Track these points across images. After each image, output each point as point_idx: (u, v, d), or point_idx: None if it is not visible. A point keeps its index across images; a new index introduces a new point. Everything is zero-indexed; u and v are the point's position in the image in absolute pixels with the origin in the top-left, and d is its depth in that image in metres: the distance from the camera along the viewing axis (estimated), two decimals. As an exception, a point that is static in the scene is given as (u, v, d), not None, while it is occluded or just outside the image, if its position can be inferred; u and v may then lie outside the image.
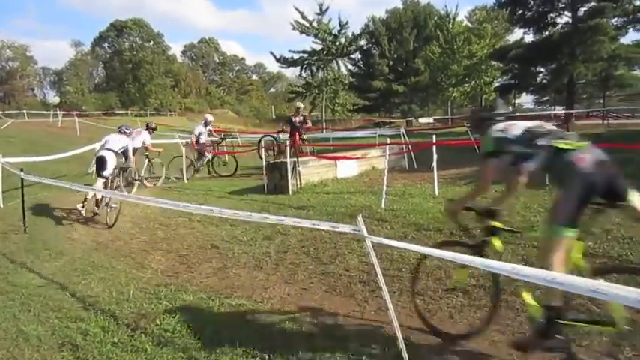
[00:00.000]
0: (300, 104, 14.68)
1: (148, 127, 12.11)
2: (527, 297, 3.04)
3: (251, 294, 4.57)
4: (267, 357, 3.31)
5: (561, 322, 2.81)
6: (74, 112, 30.71)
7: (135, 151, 11.08)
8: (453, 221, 3.76)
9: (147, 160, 11.96)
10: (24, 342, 3.68)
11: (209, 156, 13.27)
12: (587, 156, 2.79)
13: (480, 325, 3.44)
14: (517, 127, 3.11)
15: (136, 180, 10.95)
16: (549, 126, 3.13)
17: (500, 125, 3.21)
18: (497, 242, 3.41)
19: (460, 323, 3.71)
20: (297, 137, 12.80)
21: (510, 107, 36.31)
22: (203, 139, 13.24)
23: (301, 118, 13.32)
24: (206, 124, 13.54)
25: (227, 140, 14.56)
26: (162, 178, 12.03)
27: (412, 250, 3.95)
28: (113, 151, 8.82)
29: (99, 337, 3.69)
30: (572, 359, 2.90)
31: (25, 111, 36.23)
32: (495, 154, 3.15)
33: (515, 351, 3.11)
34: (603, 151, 2.88)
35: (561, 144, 2.86)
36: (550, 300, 2.85)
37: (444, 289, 4.24)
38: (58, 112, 32.19)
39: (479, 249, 3.40)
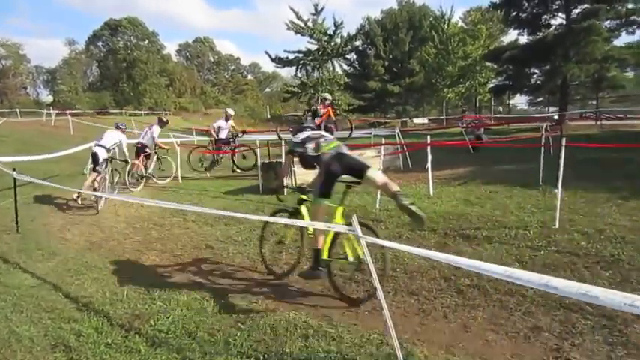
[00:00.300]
0: (328, 95, 13.89)
1: (160, 121, 12.25)
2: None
3: (246, 294, 4.56)
4: (261, 357, 3.31)
5: (323, 259, 4.29)
6: (68, 111, 30.51)
7: (146, 147, 11.44)
8: (274, 194, 5.39)
9: (156, 157, 12.06)
10: (16, 343, 3.66)
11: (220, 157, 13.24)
12: (332, 152, 4.31)
13: (292, 264, 4.98)
14: (303, 134, 4.65)
15: (143, 177, 11.19)
16: (323, 134, 4.71)
17: (298, 133, 4.72)
18: (303, 209, 4.74)
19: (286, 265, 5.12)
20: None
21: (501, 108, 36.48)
22: (223, 134, 13.04)
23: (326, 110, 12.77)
24: (227, 118, 13.24)
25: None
26: (172, 176, 12.18)
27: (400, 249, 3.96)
28: (105, 147, 9.31)
29: (92, 338, 3.67)
30: (332, 283, 4.43)
31: (17, 110, 35.89)
32: (292, 152, 4.80)
33: (303, 279, 4.61)
34: (351, 149, 4.55)
35: (321, 145, 4.38)
36: (316, 244, 4.28)
37: (275, 241, 5.46)
38: (52, 110, 31.97)
39: (295, 213, 4.83)
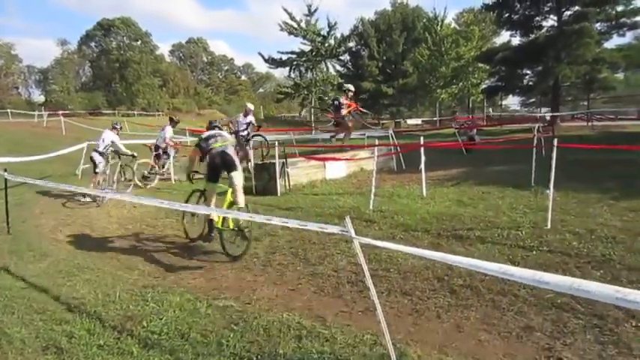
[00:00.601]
0: (351, 87, 13.50)
1: (171, 120, 12.51)
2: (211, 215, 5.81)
3: (239, 295, 4.55)
4: (254, 359, 3.30)
5: (215, 227, 5.80)
6: (60, 112, 30.28)
7: (158, 147, 12.03)
8: (188, 179, 6.51)
9: (173, 155, 12.41)
10: (7, 345, 3.62)
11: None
12: (219, 148, 5.88)
13: (201, 232, 6.21)
14: (207, 133, 6.21)
15: (156, 174, 11.69)
16: (222, 133, 6.25)
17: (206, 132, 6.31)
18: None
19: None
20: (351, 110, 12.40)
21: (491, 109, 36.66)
22: (244, 132, 12.07)
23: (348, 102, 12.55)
24: (246, 113, 12.28)
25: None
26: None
27: (399, 251, 3.97)
28: (97, 150, 9.63)
29: (84, 340, 3.64)
30: (222, 245, 5.76)
31: (9, 110, 35.48)
32: (198, 145, 6.19)
33: (202, 242, 6.20)
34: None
35: (218, 141, 5.98)
36: (210, 217, 5.78)
37: (191, 214, 6.59)
38: (43, 111, 31.75)
39: (203, 193, 6.30)
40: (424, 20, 44.82)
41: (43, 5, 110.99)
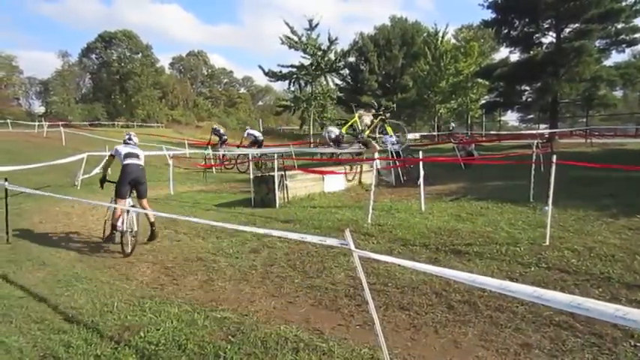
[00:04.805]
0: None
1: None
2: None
3: (236, 307, 4.54)
4: (252, 371, 3.29)
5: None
6: (60, 122, 30.40)
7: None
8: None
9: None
10: (5, 354, 3.62)
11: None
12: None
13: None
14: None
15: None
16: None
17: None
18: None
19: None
20: None
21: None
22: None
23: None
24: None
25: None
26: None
27: (398, 265, 3.97)
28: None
29: (81, 350, 3.64)
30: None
31: (8, 121, 35.56)
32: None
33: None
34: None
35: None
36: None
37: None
38: (43, 122, 31.87)
39: None
40: (424, 35, 45.16)
41: (38, 19, 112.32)
